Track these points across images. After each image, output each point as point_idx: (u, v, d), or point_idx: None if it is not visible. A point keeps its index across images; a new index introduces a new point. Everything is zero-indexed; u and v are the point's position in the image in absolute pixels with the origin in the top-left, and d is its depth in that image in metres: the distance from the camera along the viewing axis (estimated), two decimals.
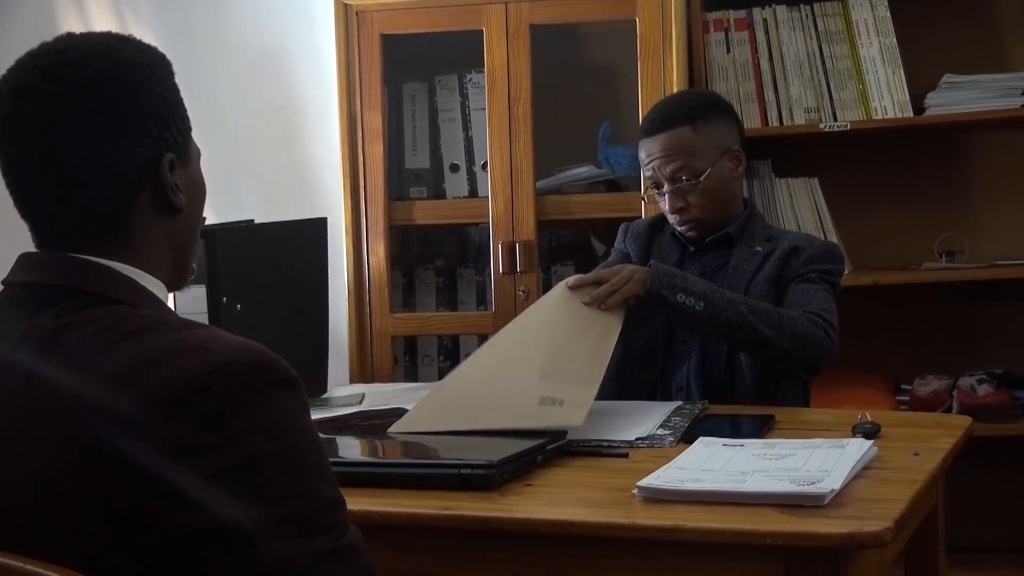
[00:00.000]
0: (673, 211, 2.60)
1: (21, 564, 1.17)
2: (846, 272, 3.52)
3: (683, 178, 2.58)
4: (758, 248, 2.61)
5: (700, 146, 2.59)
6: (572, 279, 2.41)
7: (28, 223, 1.35)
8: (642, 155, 2.64)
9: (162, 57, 1.39)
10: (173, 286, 1.41)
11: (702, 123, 2.61)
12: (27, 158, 1.30)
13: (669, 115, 2.63)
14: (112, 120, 1.30)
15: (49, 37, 1.36)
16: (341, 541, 1.24)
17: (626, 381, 2.57)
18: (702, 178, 2.58)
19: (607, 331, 2.34)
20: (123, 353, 1.23)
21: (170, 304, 1.41)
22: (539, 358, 2.26)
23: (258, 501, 1.19)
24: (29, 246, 1.36)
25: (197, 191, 1.42)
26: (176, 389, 1.19)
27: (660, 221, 2.76)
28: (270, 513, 1.20)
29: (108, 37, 1.36)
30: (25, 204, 1.33)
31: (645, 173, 2.66)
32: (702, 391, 2.53)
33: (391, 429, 2.20)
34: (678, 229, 2.65)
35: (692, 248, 2.66)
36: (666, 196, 2.60)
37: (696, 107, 2.65)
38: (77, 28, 4.53)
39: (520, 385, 2.20)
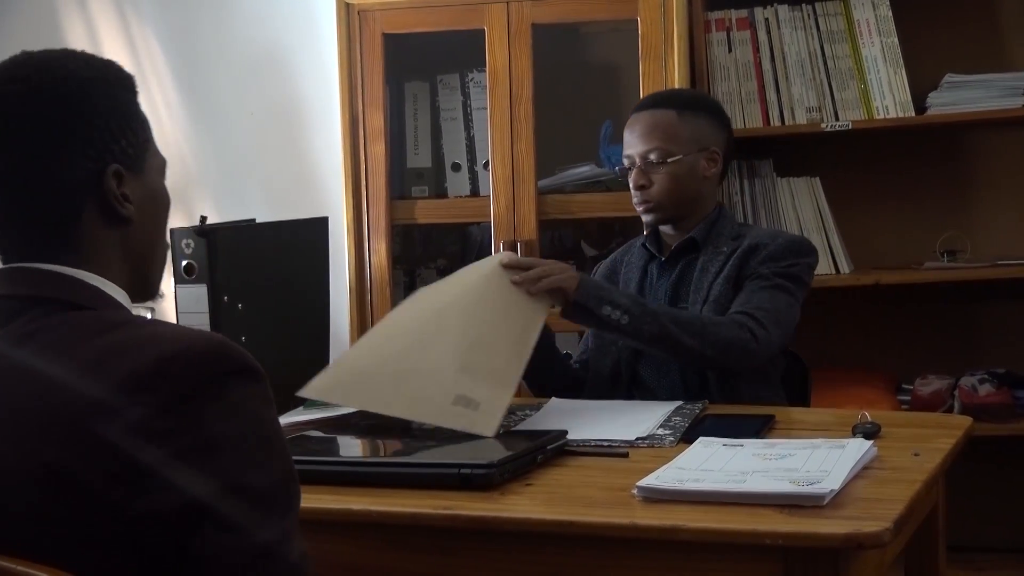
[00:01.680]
0: (635, 187, 2.65)
1: (12, 565, 1.18)
2: (849, 271, 3.54)
3: (652, 158, 2.61)
4: (724, 248, 2.62)
5: (679, 133, 2.63)
6: (506, 255, 2.44)
7: None
8: (625, 133, 2.69)
9: (117, 72, 1.41)
10: (137, 296, 1.43)
11: (689, 114, 2.65)
12: None
13: (659, 99, 2.73)
14: (53, 132, 1.33)
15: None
16: (288, 544, 1.26)
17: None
18: (669, 160, 2.60)
19: (529, 327, 2.34)
20: (92, 347, 1.27)
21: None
22: (459, 345, 2.24)
23: (216, 484, 1.22)
24: None
25: (154, 202, 1.43)
26: (137, 377, 1.23)
27: (626, 250, 2.80)
28: (228, 495, 1.22)
29: (61, 54, 1.39)
30: None
31: (624, 151, 2.69)
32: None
33: (300, 392, 2.18)
34: (638, 211, 2.68)
35: (663, 258, 2.67)
36: (633, 172, 2.64)
37: (687, 99, 2.76)
38: (79, 28, 4.53)
39: (438, 374, 2.19)
